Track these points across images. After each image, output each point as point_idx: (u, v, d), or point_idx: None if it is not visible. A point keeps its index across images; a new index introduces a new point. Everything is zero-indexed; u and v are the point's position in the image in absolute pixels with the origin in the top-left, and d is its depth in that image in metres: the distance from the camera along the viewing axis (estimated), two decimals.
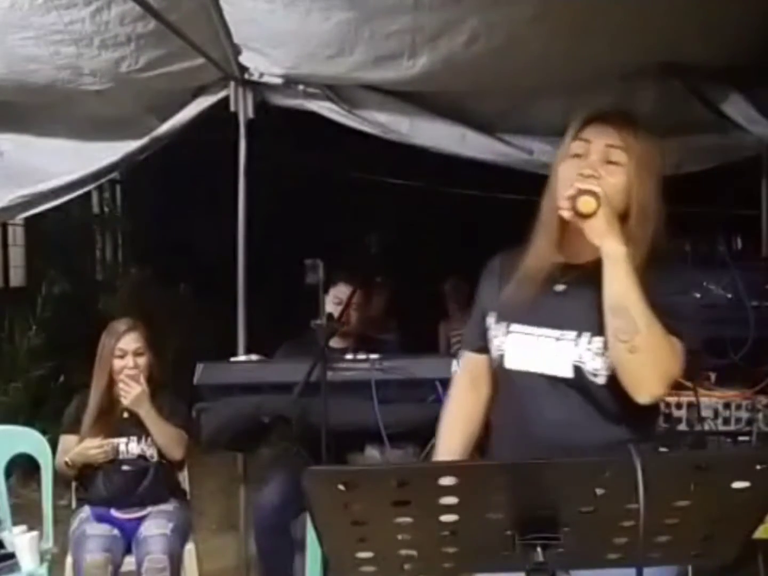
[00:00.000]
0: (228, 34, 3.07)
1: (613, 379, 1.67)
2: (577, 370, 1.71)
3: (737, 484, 1.17)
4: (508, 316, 1.80)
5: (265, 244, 5.18)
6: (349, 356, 2.90)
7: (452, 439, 1.94)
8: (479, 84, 3.34)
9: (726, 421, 2.48)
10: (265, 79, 3.39)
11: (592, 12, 2.67)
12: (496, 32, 2.80)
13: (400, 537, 1.24)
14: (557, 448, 1.65)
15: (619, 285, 1.62)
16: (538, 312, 1.75)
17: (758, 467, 1.17)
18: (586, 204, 1.59)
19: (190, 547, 3.19)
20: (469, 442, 1.93)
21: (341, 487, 1.16)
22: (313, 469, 1.19)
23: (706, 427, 2.47)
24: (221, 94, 3.49)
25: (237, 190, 3.56)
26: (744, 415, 2.48)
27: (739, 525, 1.25)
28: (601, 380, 1.69)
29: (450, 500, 1.18)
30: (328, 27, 2.85)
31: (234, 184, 3.56)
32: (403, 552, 1.27)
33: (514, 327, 1.78)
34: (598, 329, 1.68)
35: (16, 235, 7.80)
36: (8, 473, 3.29)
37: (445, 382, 2.75)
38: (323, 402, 2.61)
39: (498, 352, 1.81)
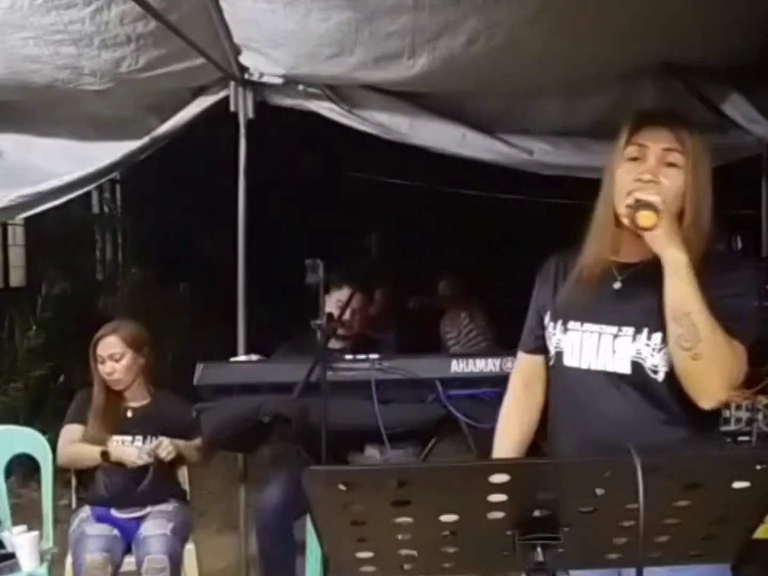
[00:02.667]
0: (228, 34, 3.07)
1: (672, 376, 1.68)
2: (636, 366, 1.72)
3: (737, 484, 1.17)
4: (566, 314, 1.81)
5: (265, 244, 5.19)
6: (348, 356, 2.90)
7: (506, 443, 1.95)
8: (479, 84, 3.34)
9: (726, 421, 2.48)
10: (265, 79, 3.39)
11: (592, 12, 2.67)
12: (496, 32, 2.80)
13: (400, 537, 1.24)
14: (615, 446, 1.65)
15: (681, 293, 1.62)
16: (595, 309, 1.77)
17: (758, 467, 1.17)
18: (645, 218, 1.60)
19: (190, 547, 3.19)
20: (524, 445, 1.94)
21: (341, 487, 1.16)
22: (313, 469, 1.19)
23: None
24: (221, 94, 3.49)
25: (237, 190, 3.56)
26: (744, 415, 2.48)
27: (739, 525, 1.26)
28: (660, 377, 1.71)
29: (450, 500, 1.18)
30: (328, 27, 2.85)
31: (234, 184, 3.56)
32: (403, 552, 1.27)
33: (572, 324, 1.79)
34: (657, 325, 1.69)
35: (16, 235, 7.81)
36: (8, 473, 3.29)
37: (445, 382, 2.76)
38: (323, 402, 2.61)
39: (556, 350, 1.83)
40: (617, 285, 1.77)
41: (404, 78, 3.18)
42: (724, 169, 3.41)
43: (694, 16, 2.73)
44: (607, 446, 1.63)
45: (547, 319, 1.87)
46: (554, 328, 1.83)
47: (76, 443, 3.15)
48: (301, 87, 3.42)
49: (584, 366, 1.77)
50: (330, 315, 2.92)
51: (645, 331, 1.71)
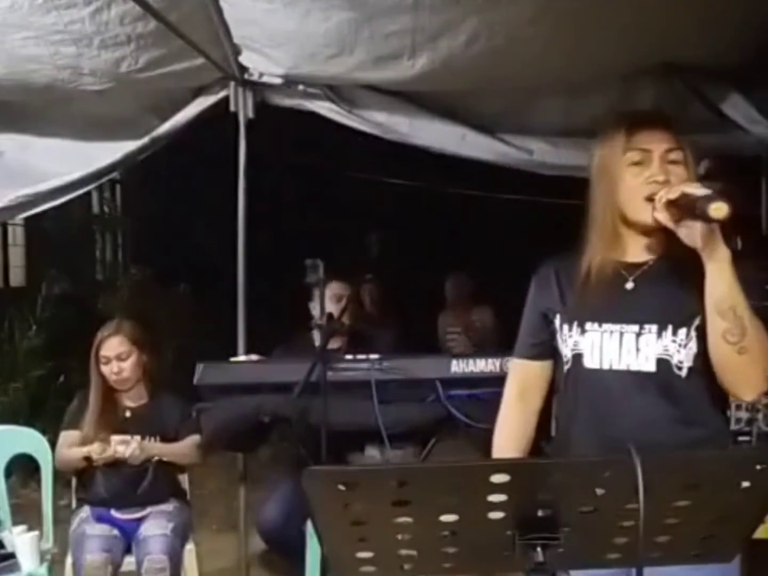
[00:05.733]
0: (228, 34, 3.06)
1: (694, 372, 1.71)
2: (662, 363, 1.72)
3: (737, 484, 1.17)
4: (581, 316, 1.80)
5: (265, 244, 5.19)
6: (348, 356, 2.90)
7: (505, 455, 1.94)
8: (479, 84, 3.34)
9: (726, 421, 2.48)
10: (265, 79, 3.39)
11: (592, 12, 2.67)
12: (496, 32, 2.80)
13: (400, 537, 1.24)
14: (642, 445, 1.65)
15: (726, 287, 1.63)
16: (613, 309, 1.77)
17: (758, 467, 1.17)
18: (719, 210, 1.58)
19: (190, 547, 3.19)
20: (522, 454, 1.94)
21: (341, 487, 1.16)
22: (313, 469, 1.19)
23: None
24: (221, 94, 3.49)
25: (237, 189, 3.56)
26: (744, 415, 2.48)
27: (739, 525, 1.25)
28: (684, 372, 1.72)
29: (450, 500, 1.18)
30: (328, 27, 2.85)
31: (234, 184, 3.56)
32: (403, 552, 1.27)
33: (590, 326, 1.79)
34: (680, 321, 1.71)
35: (16, 235, 7.81)
36: (8, 473, 3.29)
37: (445, 382, 2.76)
38: (323, 402, 2.61)
39: (573, 352, 1.82)
40: (630, 285, 1.78)
41: (404, 78, 3.18)
42: (724, 169, 3.42)
43: (694, 16, 2.73)
44: (630, 446, 1.65)
45: (558, 322, 1.86)
46: (570, 330, 1.82)
47: (69, 448, 3.15)
48: (301, 87, 3.42)
49: (606, 366, 1.77)
50: (330, 315, 2.93)
51: (669, 327, 1.72)
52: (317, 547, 1.39)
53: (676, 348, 1.71)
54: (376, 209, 7.91)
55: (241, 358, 3.24)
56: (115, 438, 3.10)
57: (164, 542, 3.03)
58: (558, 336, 1.86)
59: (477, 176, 5.29)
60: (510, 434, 1.96)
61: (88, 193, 6.80)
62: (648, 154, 1.74)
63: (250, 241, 3.56)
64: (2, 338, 6.02)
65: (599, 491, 1.18)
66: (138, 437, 3.14)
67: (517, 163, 3.64)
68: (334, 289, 3.45)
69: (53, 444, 3.22)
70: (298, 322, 3.60)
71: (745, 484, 1.17)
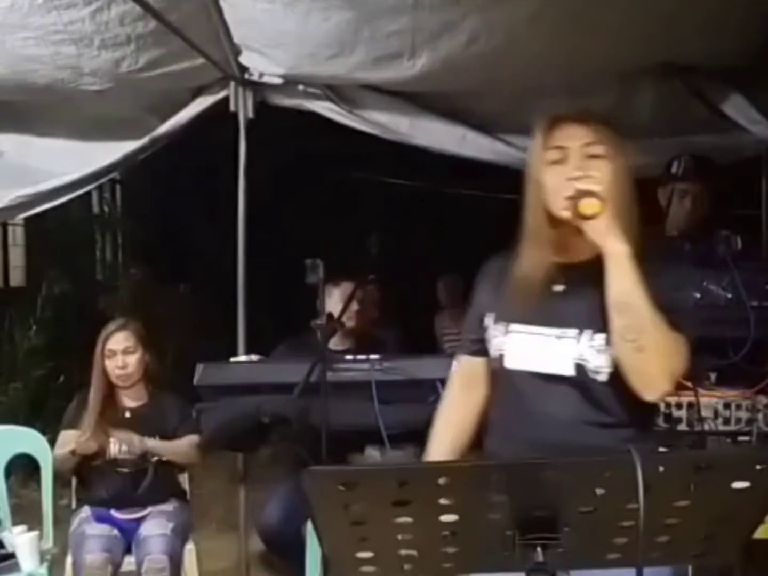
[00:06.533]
0: (228, 34, 3.07)
1: (613, 377, 1.68)
2: (579, 368, 1.71)
3: (737, 484, 1.17)
4: (508, 317, 1.80)
5: (265, 244, 5.18)
6: (349, 357, 2.90)
7: (442, 443, 1.95)
8: (479, 84, 3.34)
9: (726, 421, 2.48)
10: (265, 79, 3.39)
11: (591, 12, 2.67)
12: (495, 32, 2.80)
13: (400, 537, 1.24)
14: (558, 448, 1.65)
15: (624, 284, 1.62)
16: (538, 312, 1.75)
17: (758, 467, 1.17)
18: (589, 206, 1.59)
19: (190, 547, 3.19)
20: (460, 447, 1.95)
21: (341, 487, 1.16)
22: (313, 469, 1.19)
23: (706, 427, 2.46)
24: (221, 94, 3.49)
25: (237, 189, 3.56)
26: (744, 415, 2.48)
27: (739, 525, 1.25)
28: (602, 377, 1.70)
29: (450, 500, 1.18)
30: (328, 27, 2.85)
31: (234, 184, 3.56)
32: (403, 552, 1.27)
33: (514, 327, 1.78)
34: (600, 326, 1.68)
35: (16, 235, 7.80)
36: (8, 473, 3.29)
37: (446, 383, 2.76)
38: (323, 402, 2.61)
39: (498, 352, 1.82)
40: (559, 287, 1.76)
41: (404, 78, 3.18)
42: (724, 169, 3.42)
43: (694, 16, 2.73)
44: (548, 448, 1.65)
45: (489, 321, 1.85)
46: (496, 330, 1.82)
47: (67, 447, 3.15)
48: (301, 87, 3.42)
49: (525, 368, 1.76)
50: (330, 315, 2.92)
51: (588, 332, 1.70)
52: (317, 547, 1.39)
53: (594, 353, 1.69)
54: (376, 209, 7.90)
55: (241, 358, 3.24)
56: (117, 434, 3.10)
57: (164, 542, 3.03)
58: (486, 335, 1.86)
59: (477, 176, 5.29)
60: (449, 425, 1.96)
61: (88, 193, 6.80)
62: (565, 151, 1.71)
63: (250, 241, 3.56)
64: (2, 338, 6.01)
65: (599, 491, 1.18)
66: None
67: (516, 163, 3.64)
68: (345, 289, 3.42)
69: (53, 444, 3.22)
70: (301, 322, 3.59)
71: (745, 484, 1.17)
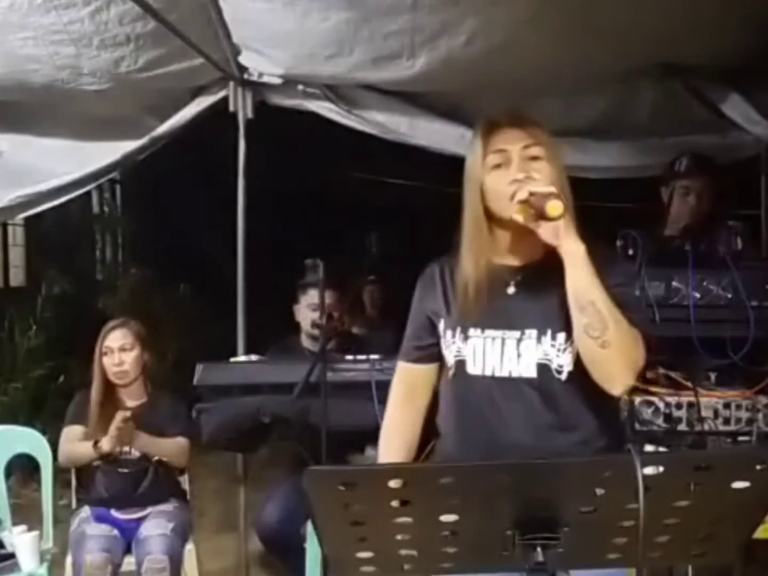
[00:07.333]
0: (227, 34, 3.07)
1: (574, 375, 1.70)
2: (542, 368, 1.72)
3: (737, 484, 1.17)
4: (464, 322, 1.79)
5: (265, 244, 5.18)
6: (349, 357, 2.90)
7: (391, 454, 1.95)
8: (479, 84, 3.34)
9: (726, 421, 2.48)
10: (265, 79, 3.39)
11: (591, 12, 2.67)
12: (495, 32, 2.80)
13: (400, 537, 1.24)
14: (522, 452, 1.67)
15: (583, 282, 1.63)
16: (495, 315, 1.76)
17: (758, 467, 1.17)
18: (555, 208, 1.59)
19: (190, 547, 3.19)
20: (409, 455, 1.95)
21: (341, 487, 1.16)
22: (313, 469, 1.19)
23: (706, 427, 2.46)
24: (220, 94, 3.49)
25: (236, 189, 3.56)
26: (744, 415, 2.48)
27: (739, 525, 1.25)
28: (563, 376, 1.72)
29: (450, 500, 1.18)
30: (327, 27, 2.85)
31: (233, 184, 3.56)
32: (403, 552, 1.27)
33: (473, 332, 1.78)
34: (560, 325, 1.70)
35: (16, 235, 7.79)
36: (8, 473, 3.29)
37: None
38: (323, 402, 2.61)
39: (456, 358, 1.80)
40: (511, 290, 1.77)
41: (403, 78, 3.18)
42: (723, 168, 3.42)
43: (694, 17, 2.73)
44: (513, 451, 1.66)
45: (441, 327, 1.84)
46: (453, 336, 1.80)
47: (75, 442, 3.15)
48: (300, 87, 3.42)
49: (488, 373, 1.76)
50: (330, 315, 2.92)
51: (549, 332, 1.72)
52: (317, 547, 1.39)
53: (556, 352, 1.71)
54: (376, 209, 7.90)
55: (241, 358, 3.24)
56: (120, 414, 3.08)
57: (164, 542, 3.03)
58: (442, 341, 1.84)
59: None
60: (396, 434, 1.96)
61: (88, 193, 6.81)
62: (506, 154, 1.72)
63: (249, 241, 3.56)
64: (2, 338, 6.01)
65: (599, 491, 1.18)
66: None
67: None
68: (313, 296, 3.41)
69: (53, 444, 3.22)
70: (289, 324, 3.60)
71: (745, 484, 1.17)
